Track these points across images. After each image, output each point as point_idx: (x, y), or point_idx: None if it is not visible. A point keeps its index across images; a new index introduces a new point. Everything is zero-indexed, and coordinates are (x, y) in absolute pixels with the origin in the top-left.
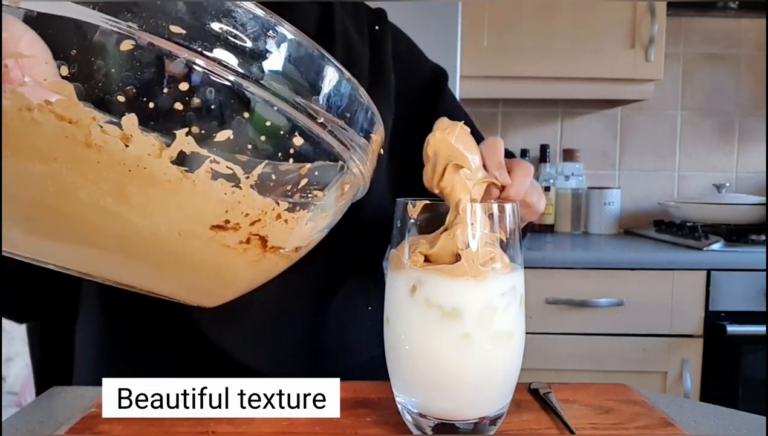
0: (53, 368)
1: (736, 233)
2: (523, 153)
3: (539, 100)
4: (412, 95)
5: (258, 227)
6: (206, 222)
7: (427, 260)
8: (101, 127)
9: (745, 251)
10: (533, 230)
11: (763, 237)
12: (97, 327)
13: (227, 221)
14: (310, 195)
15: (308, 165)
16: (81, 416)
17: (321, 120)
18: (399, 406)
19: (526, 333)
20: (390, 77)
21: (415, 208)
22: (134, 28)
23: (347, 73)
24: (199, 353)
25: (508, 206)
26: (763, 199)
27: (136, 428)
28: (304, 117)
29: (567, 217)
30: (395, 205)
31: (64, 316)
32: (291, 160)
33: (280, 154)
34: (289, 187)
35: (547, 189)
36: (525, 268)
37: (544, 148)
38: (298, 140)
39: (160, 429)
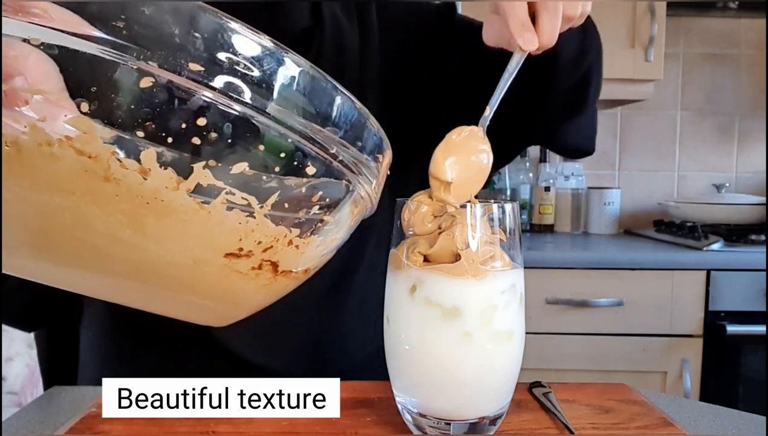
0: (61, 369)
1: (736, 233)
2: (523, 153)
3: None
4: (418, 32)
5: (270, 254)
6: (220, 250)
7: (426, 259)
8: (120, 161)
9: (745, 251)
10: (533, 230)
11: (763, 237)
12: (102, 328)
13: (240, 249)
14: (320, 221)
15: (320, 192)
16: (81, 416)
17: (333, 150)
18: (399, 406)
19: (526, 333)
20: (375, 51)
21: (415, 208)
22: (154, 66)
23: (358, 103)
24: (205, 352)
25: (508, 206)
26: (763, 199)
27: (136, 428)
28: (317, 147)
29: (567, 217)
30: (395, 205)
31: (71, 317)
32: (303, 189)
33: (293, 183)
34: (300, 214)
35: (547, 189)
36: (525, 268)
37: (544, 148)
38: (310, 170)
39: (160, 429)
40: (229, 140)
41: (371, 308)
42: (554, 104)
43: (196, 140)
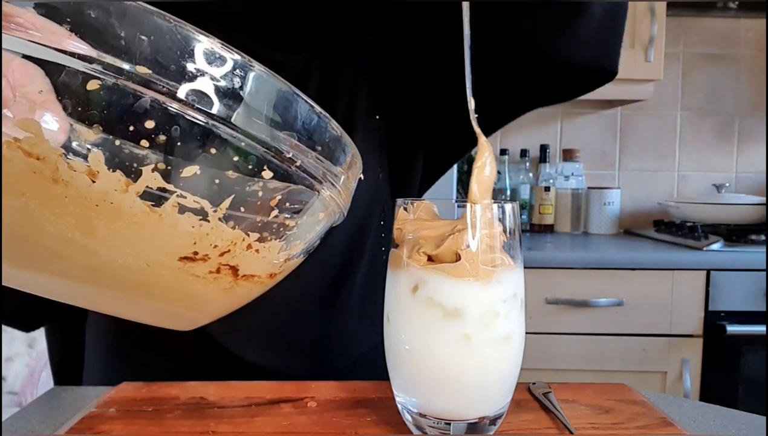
0: (70, 367)
1: (735, 233)
2: (523, 153)
3: None
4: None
5: (228, 258)
6: (174, 254)
7: (429, 259)
8: (68, 163)
9: (745, 251)
10: (533, 230)
11: (763, 237)
12: (105, 327)
13: (195, 253)
14: (281, 225)
15: (278, 197)
16: (81, 416)
17: (290, 154)
18: (399, 406)
19: (526, 333)
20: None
21: (415, 208)
22: (99, 68)
23: (318, 108)
24: (206, 353)
25: (508, 206)
26: (762, 199)
27: (137, 428)
28: (272, 152)
29: (567, 217)
30: (395, 205)
31: (77, 316)
32: (260, 192)
33: (248, 187)
34: (258, 219)
35: (547, 189)
36: (525, 268)
37: (543, 148)
38: (267, 174)
39: (160, 429)
40: (179, 143)
41: (372, 306)
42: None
43: (144, 143)
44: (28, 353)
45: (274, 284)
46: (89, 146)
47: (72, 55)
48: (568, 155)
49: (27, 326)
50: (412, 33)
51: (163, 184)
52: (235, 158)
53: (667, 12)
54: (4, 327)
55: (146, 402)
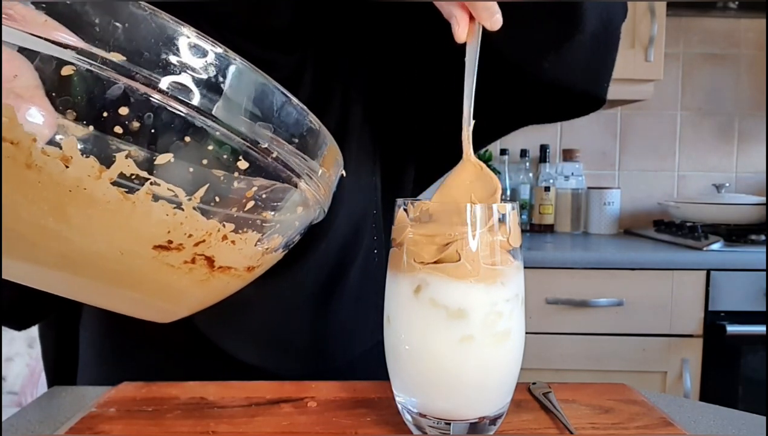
0: (64, 367)
1: (735, 233)
2: (523, 153)
3: None
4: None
5: (203, 248)
6: (148, 242)
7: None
8: (42, 148)
9: (745, 251)
10: (533, 230)
11: (763, 237)
12: (99, 327)
13: (170, 242)
14: (258, 217)
15: (254, 188)
16: (81, 416)
17: (265, 145)
18: (399, 406)
19: (526, 333)
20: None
21: (414, 209)
22: (73, 53)
23: (295, 100)
24: (201, 353)
25: (508, 206)
26: (762, 199)
27: (137, 428)
28: (247, 143)
29: (567, 217)
30: (390, 206)
31: (71, 316)
32: (235, 183)
33: (223, 177)
34: (234, 209)
35: (547, 189)
36: (525, 268)
37: (543, 148)
38: (242, 164)
39: (160, 429)
40: (153, 131)
41: (369, 304)
42: (527, 29)
43: (118, 129)
44: (28, 353)
45: (253, 277)
46: (62, 136)
47: (51, 42)
48: (568, 155)
49: (19, 324)
50: (406, 41)
51: (136, 171)
52: (210, 148)
53: (667, 12)
54: (4, 327)
55: (146, 402)
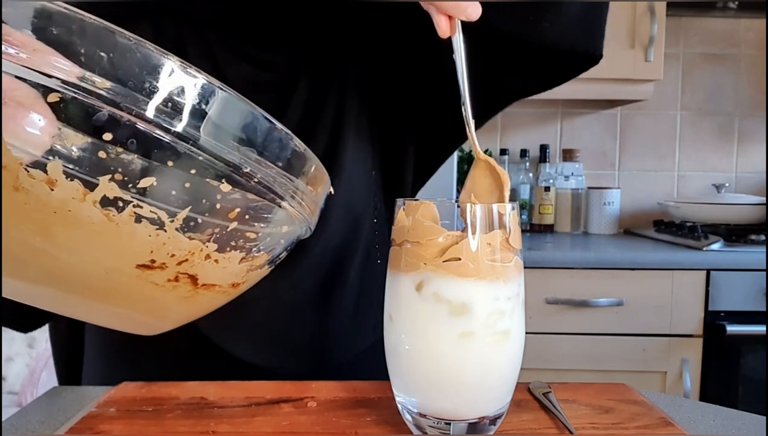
0: (75, 368)
1: (735, 233)
2: (523, 153)
3: (539, 100)
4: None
5: (186, 267)
6: (132, 261)
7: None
8: (28, 172)
9: (745, 251)
10: (533, 230)
11: (763, 237)
12: (103, 328)
13: (153, 261)
14: (242, 237)
15: (237, 209)
16: (81, 416)
17: (248, 169)
18: (399, 406)
19: (526, 333)
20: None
21: (414, 208)
22: (58, 82)
23: (279, 125)
24: (202, 353)
25: (508, 206)
26: (762, 199)
27: (137, 428)
28: (230, 168)
29: (567, 217)
30: (388, 203)
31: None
32: (219, 205)
33: (206, 200)
34: (217, 230)
35: (547, 189)
36: (525, 268)
37: (543, 148)
38: (225, 187)
39: (160, 429)
40: (136, 155)
41: (367, 304)
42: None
43: (102, 154)
44: (28, 353)
45: (239, 293)
46: (49, 157)
47: (38, 71)
48: (568, 155)
49: (24, 327)
50: (401, 33)
51: (120, 193)
52: (193, 172)
53: (667, 12)
54: (4, 327)
55: (146, 402)
